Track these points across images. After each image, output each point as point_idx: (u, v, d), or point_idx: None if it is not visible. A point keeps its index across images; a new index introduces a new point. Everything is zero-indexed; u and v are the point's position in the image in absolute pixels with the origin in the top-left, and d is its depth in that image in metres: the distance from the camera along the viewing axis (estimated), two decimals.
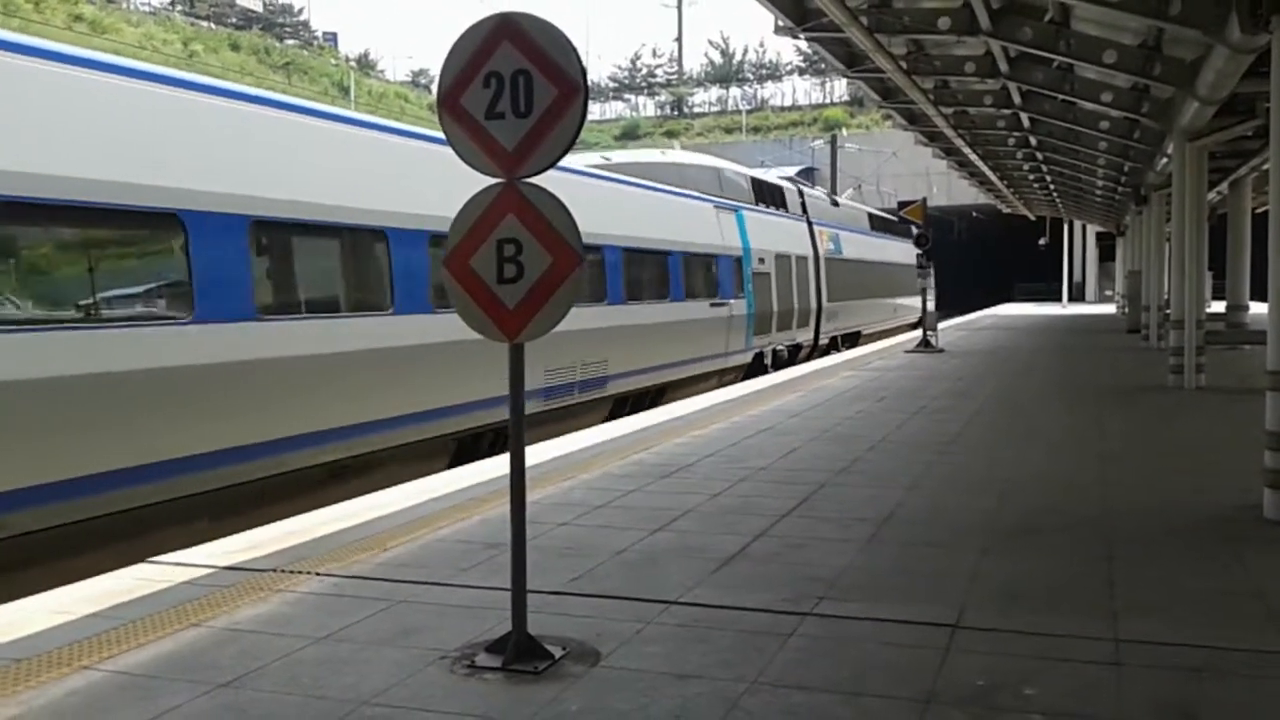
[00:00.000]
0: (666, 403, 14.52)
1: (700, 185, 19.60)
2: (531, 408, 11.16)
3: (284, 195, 8.81)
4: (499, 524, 6.29)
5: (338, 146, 9.88)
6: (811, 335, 24.15)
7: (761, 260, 20.62)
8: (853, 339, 28.13)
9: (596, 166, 17.40)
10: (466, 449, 11.05)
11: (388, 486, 8.08)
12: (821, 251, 25.28)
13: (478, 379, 10.43)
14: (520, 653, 4.14)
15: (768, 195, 22.91)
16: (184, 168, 7.93)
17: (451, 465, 10.23)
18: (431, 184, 10.11)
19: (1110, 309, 43.79)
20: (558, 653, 4.19)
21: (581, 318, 12.85)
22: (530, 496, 4.50)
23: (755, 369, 19.91)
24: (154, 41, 50.73)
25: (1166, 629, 4.44)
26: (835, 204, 30.66)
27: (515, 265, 4.25)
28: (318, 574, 5.42)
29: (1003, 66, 14.89)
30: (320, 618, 4.71)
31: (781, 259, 22.10)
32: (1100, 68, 12.98)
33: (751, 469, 8.32)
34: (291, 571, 5.46)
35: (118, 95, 7.63)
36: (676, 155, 22.89)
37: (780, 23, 14.21)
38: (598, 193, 14.85)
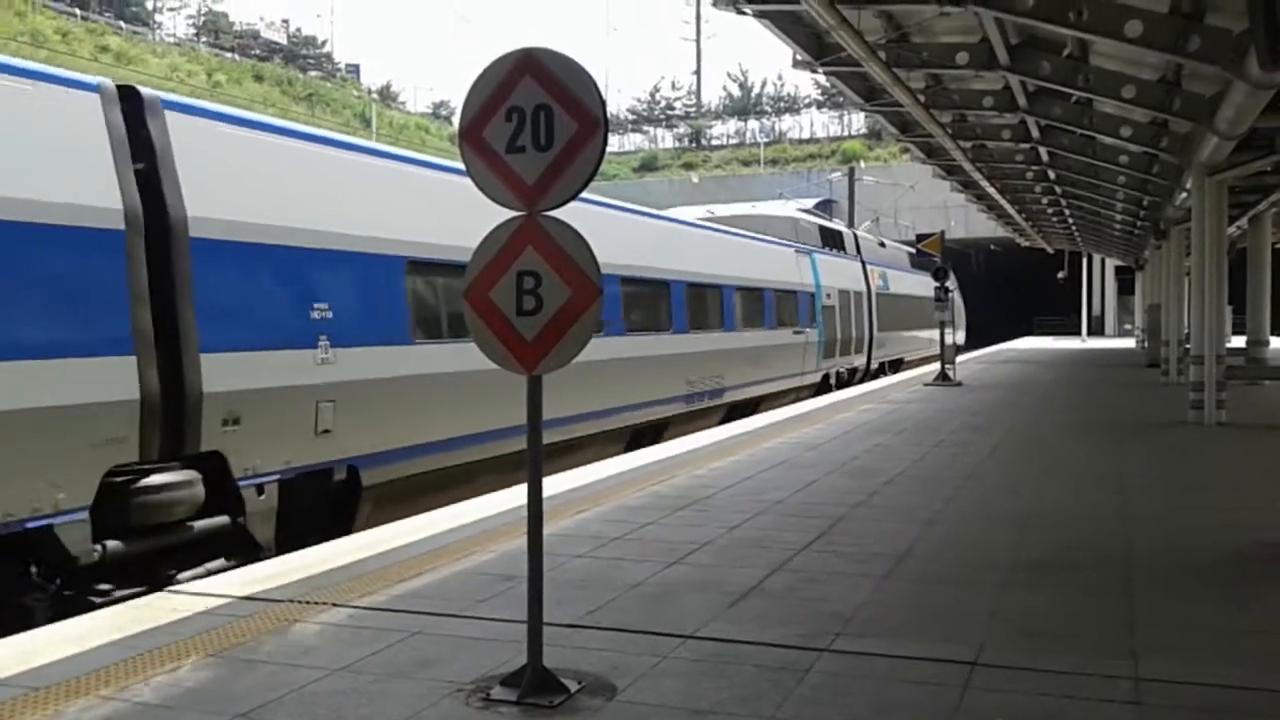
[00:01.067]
0: (760, 413, 17.57)
1: (780, 232, 23.64)
2: (676, 409, 16.02)
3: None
4: (515, 556, 6.29)
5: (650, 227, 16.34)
6: (865, 360, 27.39)
7: (829, 295, 24.15)
8: (896, 364, 31.23)
9: (702, 219, 21.44)
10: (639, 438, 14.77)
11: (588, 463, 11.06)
12: (873, 287, 28.60)
13: (650, 384, 15.10)
14: (536, 686, 4.12)
15: (830, 239, 26.83)
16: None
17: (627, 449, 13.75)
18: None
19: (1129, 343, 43.58)
20: (573, 686, 4.18)
21: (711, 340, 17.32)
22: (546, 529, 4.50)
23: (822, 388, 23.14)
24: (179, 73, 51.41)
25: (1187, 668, 4.39)
26: (883, 245, 33.66)
27: (534, 298, 4.27)
28: (335, 604, 5.42)
29: (1021, 101, 14.94)
30: (337, 648, 4.71)
31: (843, 294, 25.57)
32: (1119, 102, 13.01)
33: (768, 502, 8.30)
34: (309, 602, 5.46)
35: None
36: (764, 207, 28.40)
37: (799, 57, 14.31)
38: (722, 245, 19.26)
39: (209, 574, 6.97)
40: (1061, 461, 10.67)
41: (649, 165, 78.66)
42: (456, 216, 8.95)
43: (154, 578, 7.21)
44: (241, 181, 8.32)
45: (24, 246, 6.55)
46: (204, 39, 72.29)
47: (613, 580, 5.88)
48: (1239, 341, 24.83)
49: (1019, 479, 9.53)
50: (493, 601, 5.46)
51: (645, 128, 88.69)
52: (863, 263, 28.42)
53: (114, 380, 6.95)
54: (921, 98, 15.30)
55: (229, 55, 66.19)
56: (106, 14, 64.76)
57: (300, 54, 79.81)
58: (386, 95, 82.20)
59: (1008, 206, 29.84)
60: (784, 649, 4.67)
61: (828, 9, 10.70)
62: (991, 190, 25.76)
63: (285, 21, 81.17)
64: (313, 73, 75.50)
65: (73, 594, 6.83)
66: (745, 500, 8.39)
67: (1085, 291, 50.58)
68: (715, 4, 12.49)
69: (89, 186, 6.98)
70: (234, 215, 8.06)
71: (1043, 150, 18.79)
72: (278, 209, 8.55)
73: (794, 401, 19.87)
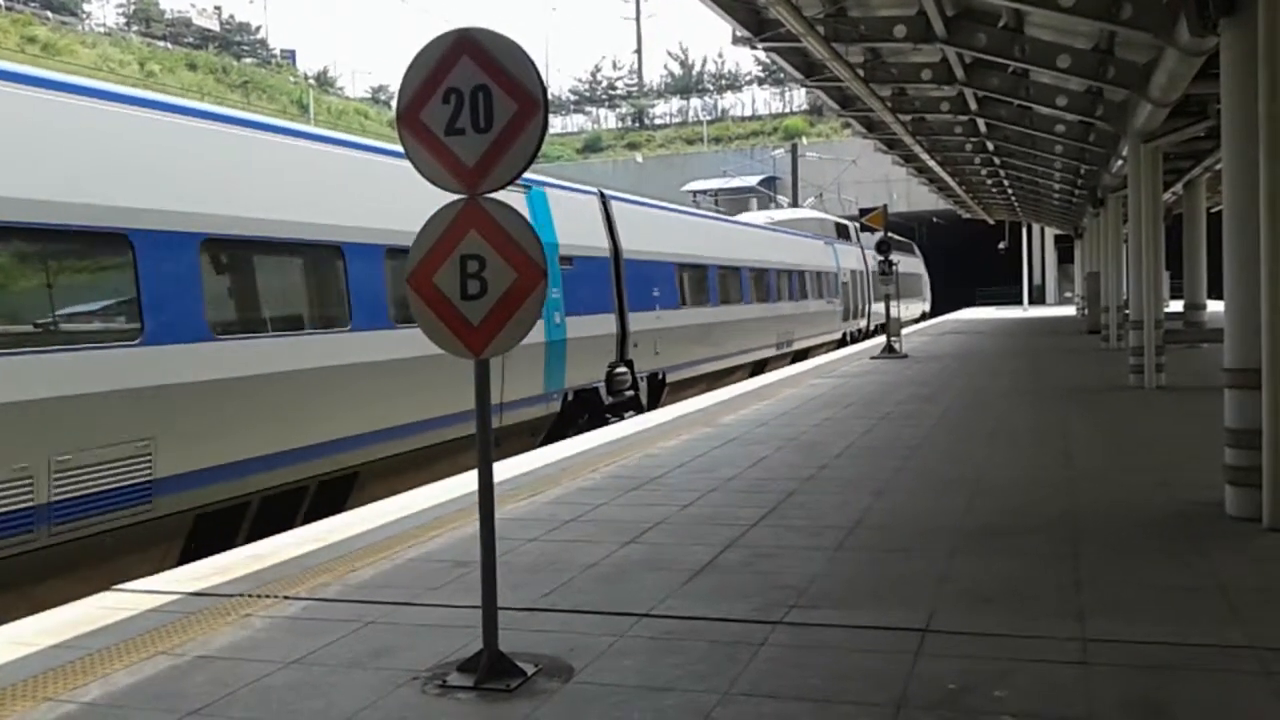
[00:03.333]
0: (808, 358, 25.28)
1: (810, 227, 33.31)
2: (769, 353, 23.76)
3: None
4: (467, 541, 6.27)
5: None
6: (865, 323, 36.41)
7: (844, 275, 32.97)
8: (882, 327, 41.53)
9: (765, 223, 29.72)
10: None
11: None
12: (870, 267, 35.63)
13: (762, 338, 23.07)
14: (492, 671, 4.12)
15: (841, 231, 36.69)
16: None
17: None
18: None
19: (1070, 311, 44.25)
20: (530, 670, 4.17)
21: (788, 308, 25.53)
22: (499, 513, 4.49)
23: (841, 342, 31.54)
24: (110, 63, 50.27)
25: (1133, 627, 4.49)
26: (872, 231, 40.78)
27: (479, 281, 4.24)
28: (286, 597, 5.37)
29: (959, 73, 15.03)
30: (289, 641, 4.66)
31: (853, 273, 34.73)
32: (1054, 72, 13.14)
33: (720, 479, 8.34)
34: (259, 596, 5.41)
35: None
36: (801, 212, 38.58)
37: (738, 33, 14.27)
38: (781, 240, 27.29)
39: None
40: (1006, 428, 10.83)
41: (592, 146, 78.38)
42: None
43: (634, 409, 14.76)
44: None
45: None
46: (135, 28, 70.78)
47: (567, 562, 5.87)
48: (1177, 306, 25.31)
49: (965, 447, 9.65)
50: (446, 588, 5.44)
51: (588, 108, 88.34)
52: (861, 248, 36.74)
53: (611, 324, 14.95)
54: (860, 72, 15.35)
55: (161, 44, 64.86)
56: (33, 3, 63.19)
57: (234, 41, 78.37)
58: (324, 80, 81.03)
59: (949, 179, 30.11)
60: (739, 623, 4.70)
61: None
62: (932, 163, 25.96)
63: (218, 8, 79.17)
64: (248, 60, 74.23)
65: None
66: (697, 478, 8.43)
67: (1026, 261, 51.18)
68: None
69: None
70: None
71: (981, 122, 18.95)
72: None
73: (827, 352, 27.34)
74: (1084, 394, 13.78)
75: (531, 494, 7.97)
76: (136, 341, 7.30)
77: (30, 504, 6.59)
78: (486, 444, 4.31)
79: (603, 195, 15.44)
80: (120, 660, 4.46)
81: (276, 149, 9.21)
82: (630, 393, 15.28)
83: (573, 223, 13.80)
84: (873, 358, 21.74)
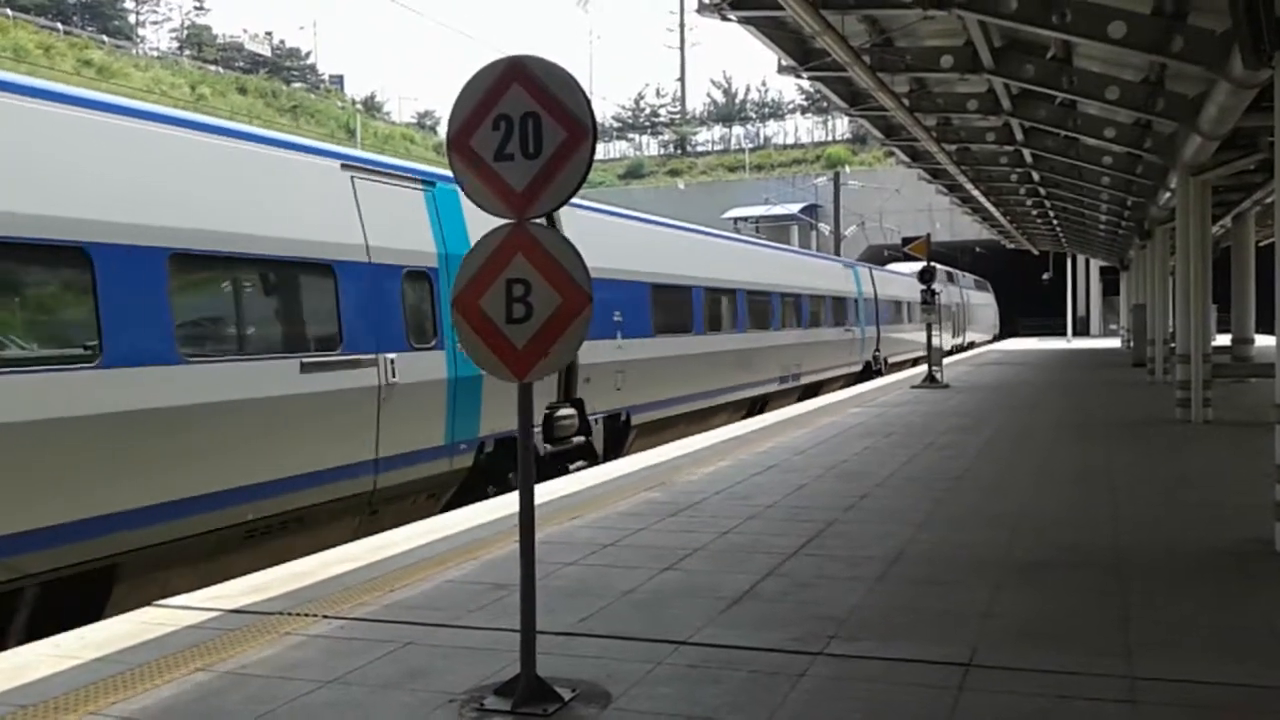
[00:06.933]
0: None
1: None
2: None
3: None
4: (506, 564, 6.27)
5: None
6: (962, 340, 38.63)
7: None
8: (968, 346, 45.56)
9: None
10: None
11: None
12: (967, 301, 40.29)
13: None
14: (530, 695, 4.10)
15: (953, 277, 39.12)
16: None
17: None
18: None
19: (1115, 343, 43.74)
20: (567, 695, 4.16)
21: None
22: (537, 536, 4.48)
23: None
24: (162, 85, 51.25)
25: (1181, 666, 4.40)
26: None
27: (524, 305, 4.26)
28: (325, 616, 5.39)
29: (1005, 104, 14.99)
30: (328, 661, 4.68)
31: (958, 305, 36.21)
32: (1103, 104, 13.07)
33: (759, 506, 8.29)
34: (298, 614, 5.43)
35: None
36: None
37: (784, 62, 14.33)
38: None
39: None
40: (1051, 461, 10.69)
41: (634, 172, 78.71)
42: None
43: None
44: None
45: None
46: (187, 52, 72.15)
47: (605, 587, 5.86)
48: (1224, 340, 24.96)
49: (1009, 480, 9.54)
50: (485, 610, 5.44)
51: (630, 135, 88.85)
52: (960, 286, 41.00)
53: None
54: (906, 101, 15.34)
55: (213, 68, 66.03)
56: (89, 28, 64.62)
57: (284, 66, 79.74)
58: (371, 106, 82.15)
59: (992, 209, 29.96)
60: (778, 653, 4.66)
61: (812, 14, 10.72)
62: (976, 193, 25.86)
63: (269, 34, 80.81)
64: (297, 84, 75.41)
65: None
66: (736, 505, 8.38)
67: (1070, 292, 50.76)
68: (700, 10, 12.51)
69: None
70: None
71: (1027, 152, 18.86)
72: None
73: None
74: (1129, 428, 13.59)
75: (570, 518, 7.97)
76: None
77: None
78: (529, 466, 4.32)
79: None
80: (161, 676, 4.49)
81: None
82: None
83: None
84: (913, 387, 21.58)
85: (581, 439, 12.64)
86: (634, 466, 10.80)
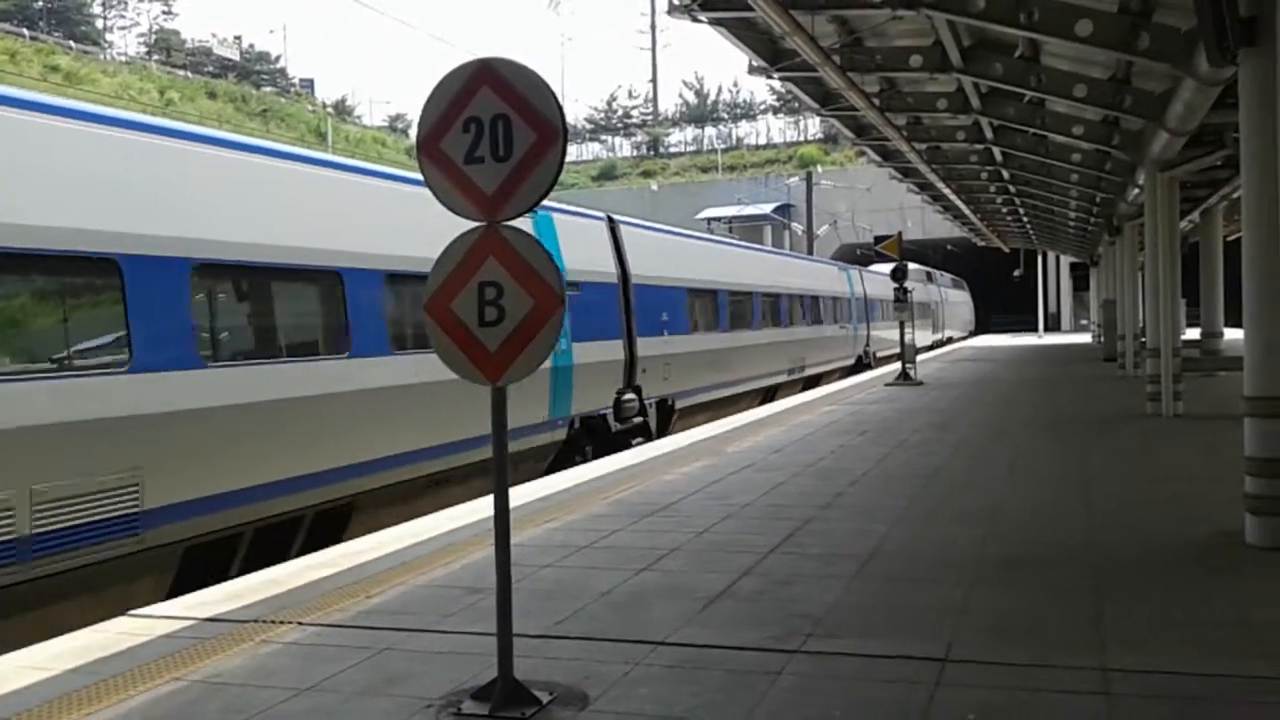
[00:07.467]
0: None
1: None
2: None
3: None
4: (482, 568, 6.26)
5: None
6: (941, 335, 41.15)
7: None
8: (948, 340, 48.39)
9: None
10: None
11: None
12: (946, 299, 42.17)
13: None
14: (507, 699, 4.09)
15: (933, 277, 42.45)
16: None
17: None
18: None
19: (1086, 338, 44.07)
20: (545, 698, 4.15)
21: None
22: (513, 539, 4.47)
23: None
24: (130, 91, 50.78)
25: (1153, 658, 4.44)
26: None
27: (496, 308, 4.25)
28: (300, 623, 5.36)
29: (974, 102, 15.07)
30: (304, 668, 4.65)
31: (935, 303, 38.55)
32: (1071, 101, 13.16)
33: (736, 505, 8.30)
34: (273, 622, 5.40)
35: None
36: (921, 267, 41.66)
37: (754, 63, 14.35)
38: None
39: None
40: (1024, 457, 10.76)
41: (607, 174, 78.72)
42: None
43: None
44: None
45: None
46: (155, 57, 71.55)
47: (582, 589, 5.85)
48: (1193, 334, 25.18)
49: (983, 476, 9.60)
50: (461, 615, 5.42)
51: (603, 137, 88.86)
52: (938, 286, 42.06)
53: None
54: (876, 101, 15.40)
55: (181, 73, 65.49)
56: (56, 33, 63.97)
57: (254, 70, 79.18)
58: (342, 109, 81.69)
59: (963, 207, 30.12)
60: (755, 652, 4.67)
61: (781, 15, 10.75)
62: (947, 191, 26.00)
63: (238, 38, 79.99)
64: (267, 89, 74.92)
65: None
66: (712, 505, 8.39)
67: (1041, 288, 51.11)
68: (670, 11, 12.51)
69: None
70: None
71: (996, 150, 18.98)
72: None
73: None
74: (1101, 422, 13.70)
75: (545, 520, 7.95)
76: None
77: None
78: (503, 469, 4.31)
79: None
80: (135, 686, 4.45)
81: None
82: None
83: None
84: (887, 384, 21.66)
85: (640, 419, 15.23)
86: (610, 468, 10.80)
